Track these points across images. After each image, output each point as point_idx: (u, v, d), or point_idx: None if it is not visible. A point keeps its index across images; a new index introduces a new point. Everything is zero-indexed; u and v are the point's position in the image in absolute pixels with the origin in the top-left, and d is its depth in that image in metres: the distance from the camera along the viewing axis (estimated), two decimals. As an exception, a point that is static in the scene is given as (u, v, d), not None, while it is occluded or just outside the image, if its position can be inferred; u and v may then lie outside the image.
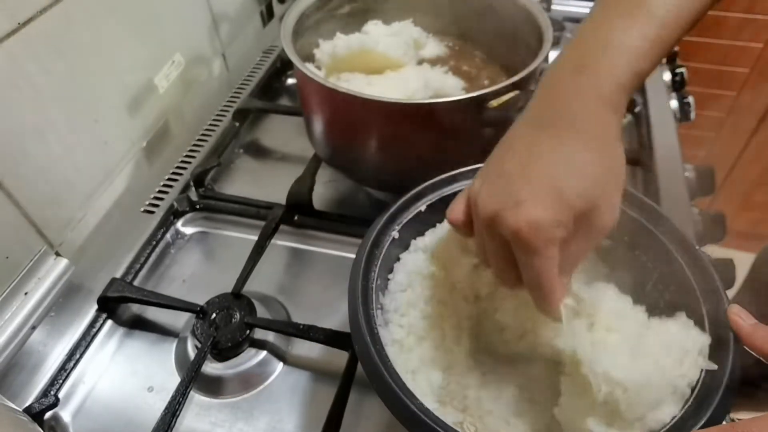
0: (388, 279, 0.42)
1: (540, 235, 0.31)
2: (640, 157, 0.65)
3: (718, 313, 0.34)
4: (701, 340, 0.34)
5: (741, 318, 0.33)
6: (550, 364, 0.39)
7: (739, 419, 0.42)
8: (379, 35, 0.59)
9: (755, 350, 0.31)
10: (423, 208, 0.42)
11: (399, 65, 0.58)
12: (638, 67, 0.33)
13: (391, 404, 0.31)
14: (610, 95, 0.33)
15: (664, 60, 0.86)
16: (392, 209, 0.41)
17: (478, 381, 0.38)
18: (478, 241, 0.36)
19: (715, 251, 0.60)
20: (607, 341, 0.34)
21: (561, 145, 0.32)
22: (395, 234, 0.41)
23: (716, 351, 0.33)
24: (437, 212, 0.43)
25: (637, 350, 0.33)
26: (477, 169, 0.37)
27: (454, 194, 0.43)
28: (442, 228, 0.44)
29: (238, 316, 0.49)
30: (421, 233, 0.44)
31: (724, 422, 0.31)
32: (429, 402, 0.36)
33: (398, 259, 0.43)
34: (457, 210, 0.37)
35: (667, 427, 0.31)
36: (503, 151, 0.35)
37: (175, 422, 0.43)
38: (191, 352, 0.48)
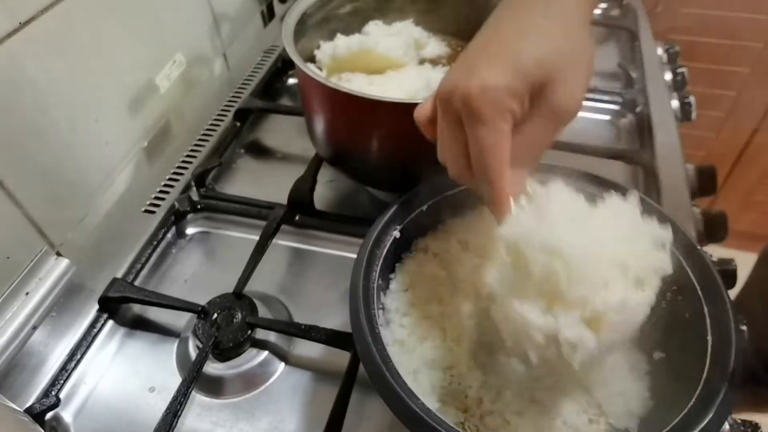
0: (390, 279, 0.42)
1: (489, 102, 0.30)
2: (641, 157, 0.65)
3: (720, 313, 0.34)
4: (660, 231, 0.31)
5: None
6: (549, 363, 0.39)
7: (741, 420, 0.42)
8: (380, 35, 0.59)
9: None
10: (424, 207, 0.42)
11: (400, 65, 0.58)
12: None
13: (392, 404, 0.31)
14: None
15: (666, 60, 0.86)
16: (393, 209, 0.41)
17: (479, 381, 0.38)
18: (438, 134, 0.35)
19: (716, 251, 0.60)
20: (552, 219, 0.31)
21: (524, 17, 0.32)
22: (396, 234, 0.41)
23: (718, 351, 0.33)
24: (439, 212, 0.43)
25: (583, 225, 0.31)
26: None
27: (456, 194, 0.43)
28: (444, 228, 0.44)
29: (239, 316, 0.48)
30: (423, 233, 0.44)
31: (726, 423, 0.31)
32: (430, 402, 0.36)
33: (400, 259, 0.43)
34: (424, 107, 0.36)
35: (670, 426, 0.31)
36: (474, 38, 0.35)
37: (177, 422, 0.43)
38: (192, 353, 0.48)
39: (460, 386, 0.38)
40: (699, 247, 0.37)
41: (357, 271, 0.37)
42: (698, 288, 0.36)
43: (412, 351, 0.39)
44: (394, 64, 0.58)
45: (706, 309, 0.35)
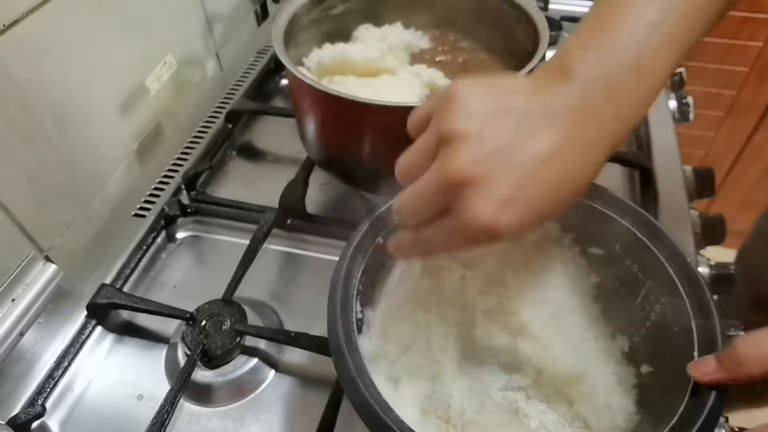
0: (374, 286, 0.41)
1: (490, 239, 0.29)
2: (638, 159, 0.64)
3: (708, 327, 0.33)
4: None
5: (707, 373, 0.30)
6: (534, 374, 0.39)
7: (739, 428, 0.42)
8: (370, 40, 0.59)
9: (741, 379, 0.29)
10: None
11: (386, 71, 0.58)
12: (654, 98, 0.32)
13: (364, 416, 0.30)
14: (622, 140, 0.32)
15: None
16: (377, 214, 0.41)
17: (463, 391, 0.38)
18: (412, 152, 0.32)
19: (714, 253, 0.59)
20: None
21: (571, 163, 0.30)
22: (380, 240, 0.40)
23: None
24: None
25: None
26: None
27: None
28: None
29: (228, 323, 0.48)
30: None
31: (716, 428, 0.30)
32: (412, 412, 0.36)
33: (384, 266, 0.42)
34: (418, 115, 0.34)
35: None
36: (508, 96, 0.30)
37: (164, 431, 0.42)
38: (181, 360, 0.47)
39: (443, 395, 0.38)
40: (689, 260, 0.36)
41: (336, 279, 0.36)
42: (687, 301, 0.35)
43: (395, 360, 0.38)
44: (381, 70, 0.57)
45: (693, 323, 0.34)
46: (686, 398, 0.31)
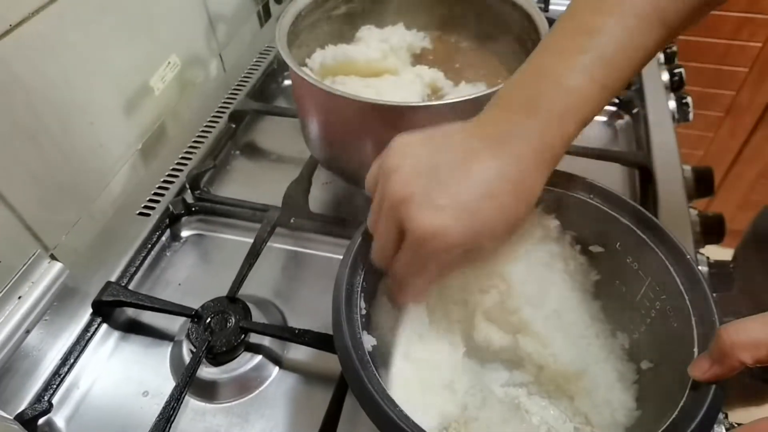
0: (377, 284, 0.41)
1: (442, 245, 0.31)
2: (637, 158, 0.65)
3: (707, 324, 0.34)
4: None
5: (707, 371, 0.30)
6: (535, 370, 0.39)
7: (737, 424, 0.42)
8: (372, 41, 0.59)
9: (741, 366, 0.29)
10: None
11: (388, 72, 0.58)
12: (585, 115, 0.34)
13: (370, 411, 0.31)
14: (555, 145, 0.34)
15: (663, 60, 0.86)
16: None
17: (465, 386, 0.38)
18: (373, 210, 0.36)
19: (714, 252, 0.59)
20: None
21: (499, 175, 0.33)
22: None
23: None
24: None
25: None
26: None
27: None
28: None
29: (233, 320, 0.48)
30: None
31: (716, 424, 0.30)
32: (414, 409, 0.36)
33: None
34: (371, 176, 0.37)
35: (662, 429, 0.31)
36: (443, 139, 0.35)
37: (170, 428, 0.42)
38: (186, 357, 0.48)
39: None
40: (689, 257, 0.36)
41: (340, 277, 0.37)
42: (686, 298, 0.35)
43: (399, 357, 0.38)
44: (383, 71, 0.58)
45: (693, 319, 0.34)
46: (686, 393, 0.31)
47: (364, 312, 0.37)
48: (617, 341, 0.40)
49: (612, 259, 0.41)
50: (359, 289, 0.37)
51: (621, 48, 0.34)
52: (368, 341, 0.35)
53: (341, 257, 0.38)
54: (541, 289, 0.40)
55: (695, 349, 0.33)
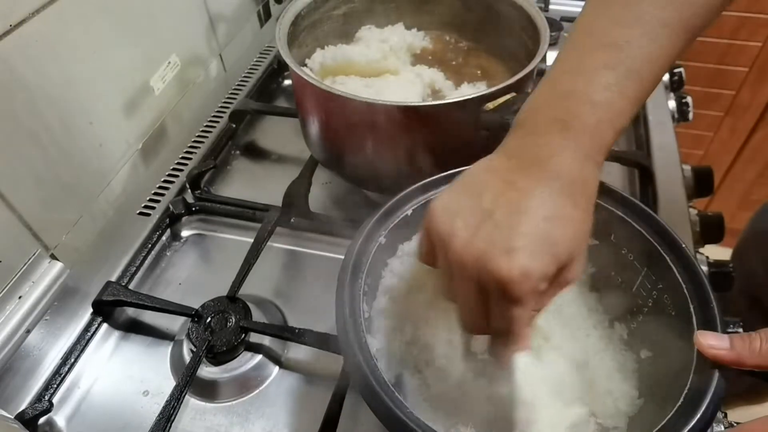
0: (378, 285, 0.41)
1: (528, 286, 0.30)
2: (637, 158, 0.65)
3: (706, 311, 0.34)
4: None
5: (714, 347, 0.31)
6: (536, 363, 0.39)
7: (736, 423, 0.42)
8: (371, 40, 0.59)
9: (748, 367, 0.30)
10: (409, 212, 0.42)
11: (388, 72, 0.58)
12: (620, 125, 0.34)
13: (380, 413, 0.31)
14: (595, 156, 0.33)
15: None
16: (378, 214, 0.41)
17: (470, 385, 0.38)
18: (444, 280, 0.34)
19: (713, 251, 0.60)
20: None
21: (551, 195, 0.32)
22: (382, 240, 0.41)
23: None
24: (423, 216, 0.43)
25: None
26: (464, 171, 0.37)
27: None
28: None
29: (233, 319, 0.48)
30: (408, 237, 0.43)
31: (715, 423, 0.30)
32: (420, 408, 0.36)
33: (386, 265, 0.42)
34: (422, 253, 0.35)
35: (658, 427, 0.31)
36: (478, 184, 0.33)
37: (170, 427, 0.42)
38: (187, 356, 0.48)
39: (450, 390, 0.38)
40: (684, 245, 0.37)
41: (342, 279, 0.37)
42: (684, 286, 0.35)
43: (401, 357, 0.39)
44: (383, 71, 0.58)
45: (692, 308, 0.34)
46: (689, 381, 0.31)
47: (366, 315, 0.37)
48: (615, 332, 0.41)
49: (607, 251, 0.41)
50: (361, 292, 0.37)
51: (648, 60, 0.33)
52: (372, 343, 0.35)
53: (342, 257, 0.38)
54: None
55: (695, 336, 0.33)
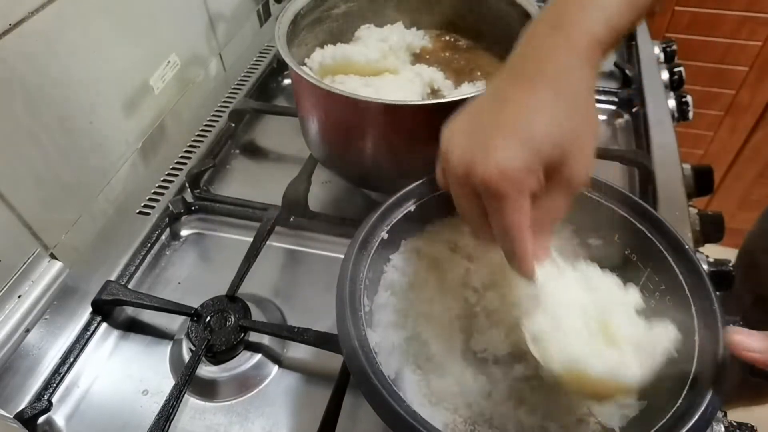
0: (380, 280, 0.41)
1: (509, 182, 0.31)
2: (637, 157, 0.65)
3: (708, 313, 0.34)
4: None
5: (749, 349, 0.30)
6: (537, 363, 0.39)
7: (736, 422, 0.42)
8: (371, 40, 0.59)
9: None
10: (412, 208, 0.42)
11: (386, 71, 0.58)
12: (616, 23, 0.34)
13: (378, 407, 0.31)
14: (585, 51, 0.33)
15: (663, 59, 0.86)
16: (381, 209, 0.41)
17: (469, 382, 0.38)
18: (455, 199, 0.36)
19: (713, 251, 0.59)
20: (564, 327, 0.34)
21: (534, 94, 0.33)
22: (384, 235, 0.41)
23: (706, 350, 0.33)
24: (427, 212, 0.43)
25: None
26: None
27: (445, 195, 0.43)
28: (432, 228, 0.44)
29: (232, 319, 0.48)
30: (411, 233, 0.43)
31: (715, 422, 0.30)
32: (419, 404, 0.36)
33: (389, 260, 0.42)
34: (438, 175, 0.37)
35: (657, 427, 0.31)
36: (478, 104, 0.35)
37: (170, 426, 0.42)
38: (186, 355, 0.48)
39: (449, 387, 0.38)
40: (687, 246, 0.37)
41: (343, 274, 0.37)
42: (686, 288, 0.35)
43: (402, 352, 0.39)
44: (382, 71, 0.58)
45: (693, 309, 0.34)
46: (686, 386, 0.31)
47: (367, 309, 0.37)
48: None
49: (610, 252, 0.41)
50: (362, 286, 0.37)
51: None
52: (372, 338, 0.35)
53: (341, 256, 0.38)
54: (542, 281, 0.40)
55: (696, 338, 0.33)
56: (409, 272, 0.41)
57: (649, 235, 0.38)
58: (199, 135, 0.70)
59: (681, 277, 0.36)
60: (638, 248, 0.40)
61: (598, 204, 0.41)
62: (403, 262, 0.42)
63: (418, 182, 0.43)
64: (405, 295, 0.41)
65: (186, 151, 0.68)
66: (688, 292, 0.35)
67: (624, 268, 0.41)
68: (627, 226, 0.40)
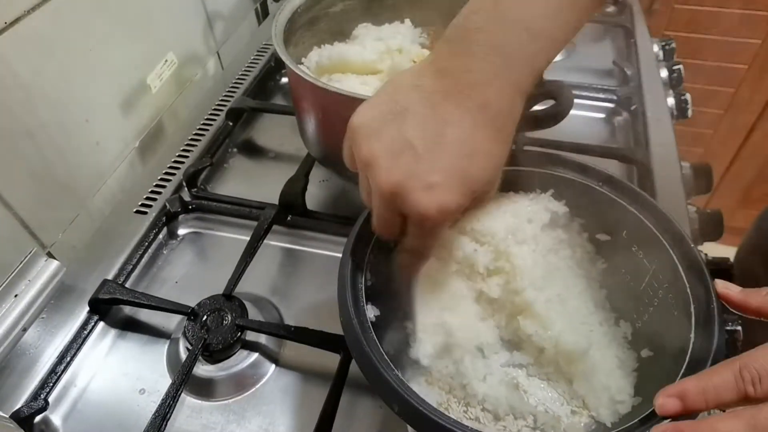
0: (380, 265, 0.41)
1: (443, 216, 0.32)
2: (635, 155, 0.65)
3: (705, 313, 0.34)
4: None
5: (729, 289, 0.33)
6: (535, 352, 0.39)
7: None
8: (368, 38, 0.59)
9: (752, 313, 0.31)
10: None
11: (383, 71, 0.58)
12: (554, 55, 0.34)
13: (367, 371, 0.31)
14: (526, 86, 0.33)
15: (662, 56, 0.86)
16: None
17: (467, 365, 0.38)
18: (362, 185, 0.36)
19: (712, 249, 0.59)
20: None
21: (476, 129, 0.32)
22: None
23: (700, 349, 0.33)
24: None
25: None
26: None
27: None
28: None
29: (229, 318, 0.48)
30: None
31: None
32: (415, 382, 0.37)
33: (392, 249, 0.42)
34: (348, 156, 0.37)
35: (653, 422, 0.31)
36: (402, 102, 0.33)
37: (166, 425, 0.42)
38: (183, 354, 0.48)
39: (445, 368, 0.39)
40: (692, 246, 0.37)
41: (345, 256, 0.37)
42: (687, 286, 0.35)
43: (403, 333, 0.39)
44: (380, 70, 0.57)
45: (692, 307, 0.34)
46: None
47: (369, 283, 0.38)
48: (620, 330, 0.41)
49: (618, 248, 0.41)
50: (366, 260, 0.38)
51: None
52: (372, 311, 0.36)
53: (338, 255, 0.38)
54: (546, 273, 0.40)
55: (691, 335, 0.33)
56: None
57: (656, 232, 0.38)
58: (196, 134, 0.70)
59: (683, 275, 0.36)
60: (645, 245, 0.39)
61: (608, 199, 0.41)
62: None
63: None
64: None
65: (183, 150, 0.68)
66: (688, 290, 0.35)
67: (631, 267, 0.41)
68: (635, 222, 0.40)
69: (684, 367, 0.32)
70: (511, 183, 0.42)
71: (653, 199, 0.58)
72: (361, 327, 0.33)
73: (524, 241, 0.40)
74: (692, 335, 0.33)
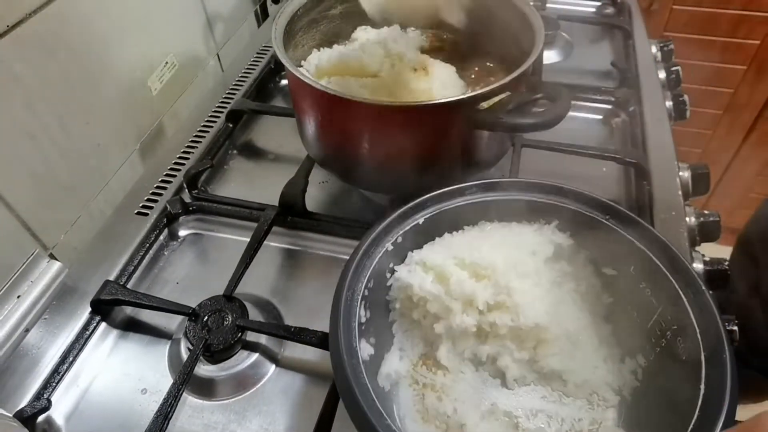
0: (388, 288, 0.41)
1: None
2: (633, 156, 0.65)
3: (717, 360, 0.33)
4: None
5: None
6: (536, 379, 0.39)
7: (738, 422, 0.42)
8: (366, 42, 0.59)
9: None
10: (421, 221, 0.42)
11: (382, 74, 0.58)
12: None
13: (357, 421, 0.31)
14: None
15: (660, 57, 0.86)
16: (388, 220, 0.41)
17: (463, 398, 0.38)
18: None
19: (710, 249, 0.60)
20: None
21: None
22: (389, 246, 0.41)
23: (711, 399, 0.32)
24: (436, 225, 0.42)
25: None
26: (482, 184, 0.36)
27: (453, 209, 0.42)
28: (441, 242, 0.44)
29: (230, 318, 0.49)
30: (419, 245, 0.43)
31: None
32: (411, 419, 0.36)
33: (393, 271, 0.43)
34: None
35: None
36: None
37: (168, 424, 0.43)
38: (184, 354, 0.48)
39: (443, 405, 0.38)
40: (704, 288, 0.35)
41: (341, 284, 0.37)
42: (698, 332, 0.34)
43: (399, 364, 0.39)
44: (379, 73, 0.58)
45: (702, 355, 0.33)
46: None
47: (363, 320, 0.37)
48: (626, 367, 0.40)
49: (625, 283, 0.40)
50: (360, 297, 0.37)
51: None
52: (365, 350, 0.35)
53: (338, 255, 0.38)
54: (550, 306, 0.39)
55: (701, 386, 0.32)
56: (414, 284, 0.40)
57: (664, 270, 0.37)
58: (196, 135, 0.71)
59: (695, 320, 0.34)
60: (653, 283, 0.38)
61: (615, 233, 0.39)
62: (408, 273, 0.42)
63: (429, 195, 0.42)
64: (407, 307, 0.40)
65: (184, 152, 0.68)
66: (699, 337, 0.34)
67: (638, 303, 0.40)
68: (643, 259, 0.38)
69: (693, 421, 0.31)
70: (515, 213, 0.41)
71: (650, 201, 0.59)
72: (353, 372, 0.32)
73: (525, 275, 0.39)
74: (702, 385, 0.32)
